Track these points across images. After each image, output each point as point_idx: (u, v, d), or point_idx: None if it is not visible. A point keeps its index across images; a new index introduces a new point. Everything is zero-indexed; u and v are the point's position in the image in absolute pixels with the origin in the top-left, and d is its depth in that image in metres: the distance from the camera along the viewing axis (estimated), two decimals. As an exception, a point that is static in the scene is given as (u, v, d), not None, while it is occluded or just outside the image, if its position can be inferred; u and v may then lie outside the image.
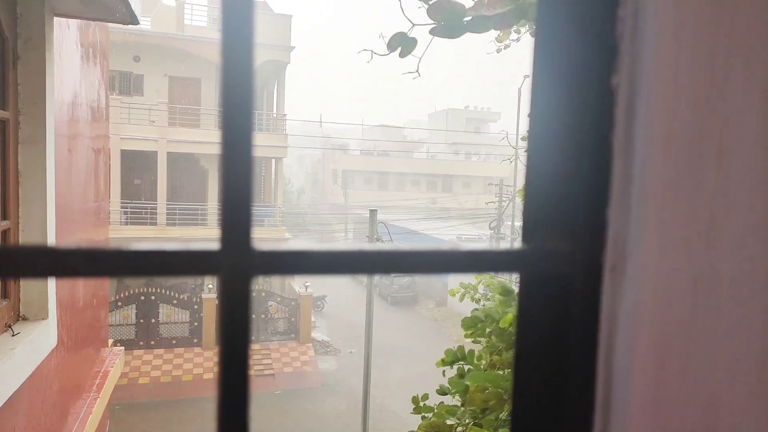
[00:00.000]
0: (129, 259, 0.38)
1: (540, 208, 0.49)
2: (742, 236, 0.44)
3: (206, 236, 19.04)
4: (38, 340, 3.78)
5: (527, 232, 0.49)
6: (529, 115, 0.48)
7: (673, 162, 0.46)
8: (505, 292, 2.70)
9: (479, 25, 2.41)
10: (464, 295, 3.46)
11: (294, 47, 21.73)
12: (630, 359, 0.48)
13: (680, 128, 0.45)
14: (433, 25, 2.37)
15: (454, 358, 2.62)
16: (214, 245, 0.40)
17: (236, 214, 0.40)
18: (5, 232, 3.65)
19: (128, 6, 4.08)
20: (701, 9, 0.45)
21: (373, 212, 13.31)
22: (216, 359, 0.40)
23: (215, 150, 19.06)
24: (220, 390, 0.40)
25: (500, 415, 2.22)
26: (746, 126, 0.44)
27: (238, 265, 0.40)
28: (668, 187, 0.46)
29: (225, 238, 0.40)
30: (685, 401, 0.47)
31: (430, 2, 2.31)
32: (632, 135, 0.47)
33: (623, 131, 0.48)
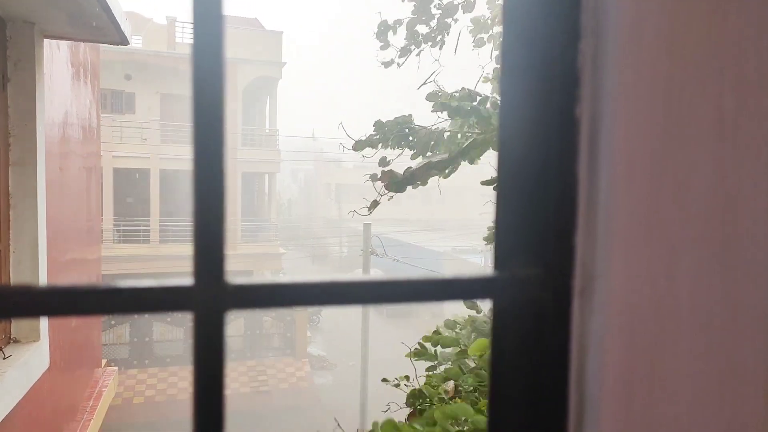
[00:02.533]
0: (102, 297, 0.39)
1: (510, 236, 0.50)
2: (700, 266, 0.46)
3: (200, 253, 18.92)
4: (30, 363, 3.75)
5: (499, 259, 0.50)
6: (498, 144, 0.50)
7: (635, 190, 0.47)
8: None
9: (424, 175, 3.08)
10: (437, 342, 3.56)
11: (285, 63, 21.84)
12: (600, 383, 0.48)
13: (640, 157, 0.47)
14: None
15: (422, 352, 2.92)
16: (187, 280, 0.40)
17: (209, 247, 0.41)
18: (-5, 254, 3.64)
19: (118, 27, 4.10)
20: (657, 42, 0.46)
21: (367, 226, 13.32)
22: (191, 396, 0.41)
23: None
24: (196, 426, 0.40)
25: None
26: (701, 156, 0.46)
27: (211, 301, 0.40)
28: (631, 216, 0.47)
29: (198, 273, 0.41)
30: (652, 424, 0.48)
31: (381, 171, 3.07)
32: (596, 163, 0.48)
33: (587, 160, 0.49)
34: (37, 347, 3.87)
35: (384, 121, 3.36)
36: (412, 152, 3.41)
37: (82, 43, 5.67)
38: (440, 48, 3.89)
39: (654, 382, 0.48)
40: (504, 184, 0.50)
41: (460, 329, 3.34)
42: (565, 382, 0.51)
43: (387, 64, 4.03)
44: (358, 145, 3.44)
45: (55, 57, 4.73)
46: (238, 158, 20.81)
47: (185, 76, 20.52)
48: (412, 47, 3.88)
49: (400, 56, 3.96)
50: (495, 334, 0.51)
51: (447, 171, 3.34)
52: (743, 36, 0.46)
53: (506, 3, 0.48)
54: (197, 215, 0.40)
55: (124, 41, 4.49)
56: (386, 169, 3.31)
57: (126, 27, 4.36)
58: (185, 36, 22.34)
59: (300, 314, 19.22)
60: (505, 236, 0.50)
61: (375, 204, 3.70)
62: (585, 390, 0.50)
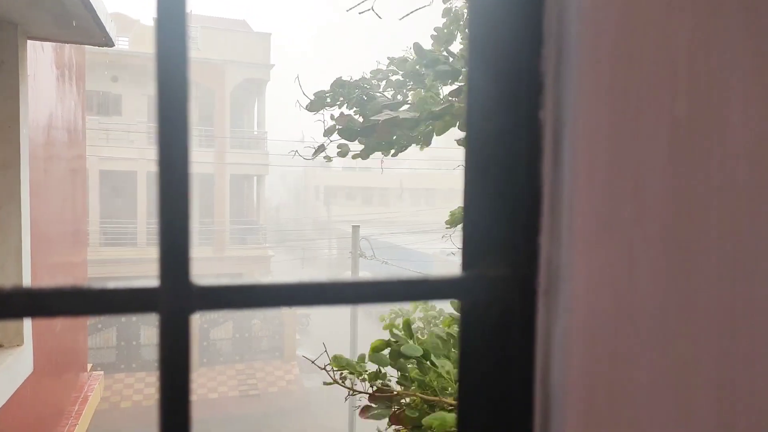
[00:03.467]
0: (68, 298, 0.39)
1: (477, 236, 0.51)
2: (657, 266, 0.47)
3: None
4: (13, 368, 3.71)
5: (466, 259, 0.51)
6: (465, 146, 0.50)
7: (595, 192, 0.48)
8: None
9: (385, 131, 2.75)
10: (394, 320, 3.46)
11: (274, 65, 21.80)
12: (564, 381, 0.49)
13: (600, 160, 0.48)
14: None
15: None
16: (153, 281, 0.41)
17: (174, 248, 0.41)
18: (-23, 258, 3.60)
19: (102, 28, 4.08)
20: (615, 47, 0.47)
21: (355, 228, 13.32)
22: (157, 401, 0.41)
23: (196, 169, 18.96)
24: (162, 427, 0.41)
25: None
26: (656, 158, 0.47)
27: (176, 302, 0.41)
28: (592, 217, 0.48)
29: (163, 274, 0.41)
30: (613, 421, 0.49)
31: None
32: (560, 165, 0.49)
33: (551, 162, 0.50)
34: (20, 352, 3.83)
35: (344, 80, 3.10)
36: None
37: (67, 44, 5.63)
38: None
39: (615, 381, 0.49)
40: (471, 185, 0.51)
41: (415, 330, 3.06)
42: (531, 381, 0.52)
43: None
44: (313, 105, 3.17)
45: (40, 58, 4.69)
46: (227, 161, 20.73)
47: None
48: None
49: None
50: (463, 333, 0.52)
51: (394, 150, 2.99)
52: (694, 40, 0.47)
53: (471, 7, 0.49)
54: (162, 217, 0.40)
55: (109, 43, 4.46)
56: (344, 113, 2.96)
57: (111, 28, 4.33)
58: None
59: (289, 317, 19.17)
60: (472, 237, 0.51)
61: (321, 148, 3.28)
62: (550, 388, 0.51)
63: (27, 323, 3.96)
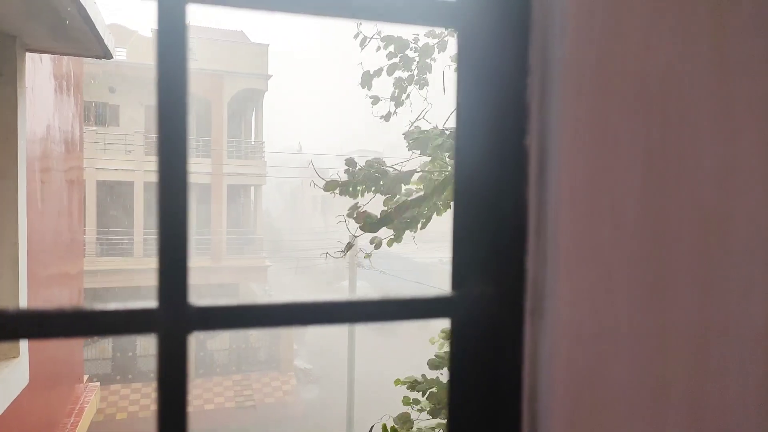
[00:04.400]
0: (68, 320, 0.41)
1: (466, 257, 0.53)
2: (634, 284, 0.48)
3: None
4: (9, 380, 3.70)
5: (456, 280, 0.53)
6: (454, 171, 0.52)
7: (577, 215, 0.50)
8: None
9: (399, 214, 3.07)
10: (443, 344, 3.71)
11: (272, 75, 21.87)
12: (550, 395, 0.51)
13: (580, 184, 0.50)
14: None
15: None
16: (152, 303, 0.42)
17: (173, 270, 0.43)
18: (-26, 269, 3.60)
19: (101, 40, 4.10)
20: (594, 78, 0.49)
21: (353, 237, 13.31)
22: (154, 416, 0.42)
23: (193, 179, 18.95)
24: (160, 442, 0.42)
25: None
26: (632, 183, 0.49)
27: (175, 323, 0.42)
28: (574, 239, 0.50)
29: (162, 295, 0.42)
30: (595, 430, 0.50)
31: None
32: (544, 190, 0.51)
33: (536, 186, 0.52)
34: (16, 363, 3.82)
35: (355, 159, 3.41)
36: (384, 197, 3.45)
37: (65, 56, 5.66)
38: (425, 88, 4.02)
39: (596, 394, 0.50)
40: (460, 208, 0.53)
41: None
42: (519, 395, 0.53)
43: (386, 117, 4.16)
44: (329, 186, 3.51)
45: (38, 70, 4.71)
46: (224, 171, 20.74)
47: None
48: (403, 95, 4.01)
49: (395, 106, 4.09)
50: (453, 351, 0.53)
51: (420, 224, 3.36)
52: (667, 76, 0.49)
53: (460, 39, 0.51)
54: (162, 239, 0.42)
55: (107, 55, 4.49)
56: (360, 210, 3.34)
57: (109, 40, 4.36)
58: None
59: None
60: (461, 257, 0.53)
61: (349, 246, 3.79)
62: (537, 401, 0.52)
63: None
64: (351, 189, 3.34)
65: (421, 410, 3.30)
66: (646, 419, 0.50)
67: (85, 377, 7.21)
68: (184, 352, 0.43)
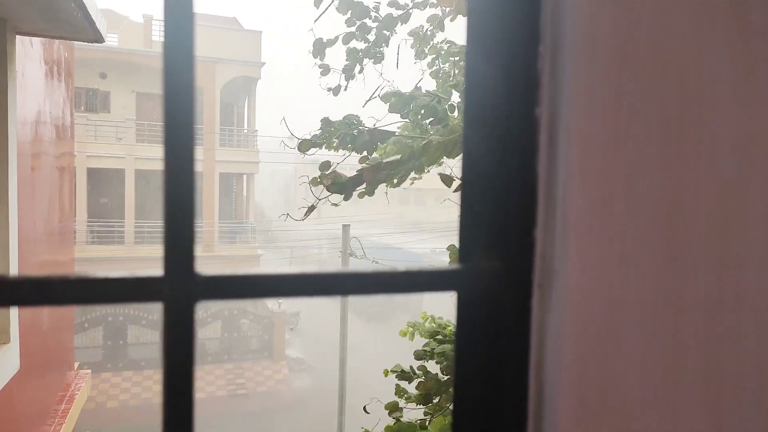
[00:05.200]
0: (74, 286, 0.40)
1: (474, 230, 0.52)
2: (647, 260, 0.48)
3: (176, 254, 18.56)
4: (0, 366, 3.68)
5: (463, 253, 0.52)
6: (462, 142, 0.52)
7: (589, 188, 0.49)
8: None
9: (372, 177, 2.92)
10: (413, 334, 3.71)
11: (264, 63, 21.71)
12: (557, 371, 0.51)
13: (593, 156, 0.49)
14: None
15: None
16: (158, 271, 0.42)
17: (179, 238, 0.42)
18: (-36, 254, 3.57)
19: (93, 24, 4.05)
20: (608, 47, 0.49)
21: (346, 227, 13.31)
22: (161, 387, 0.42)
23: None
24: (166, 419, 0.41)
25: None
26: (648, 156, 0.48)
27: (181, 291, 0.42)
28: (585, 212, 0.49)
29: (168, 264, 0.42)
30: (604, 409, 0.50)
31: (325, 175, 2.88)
32: (555, 161, 0.51)
33: (546, 158, 0.51)
34: (6, 349, 3.80)
35: (332, 119, 3.24)
36: (359, 155, 3.28)
37: (56, 40, 5.58)
38: (381, 63, 3.82)
39: (605, 371, 0.50)
40: (468, 181, 0.52)
41: (437, 323, 3.43)
42: (525, 371, 0.53)
43: (335, 91, 3.95)
44: (303, 145, 3.32)
45: (28, 54, 4.65)
46: (216, 159, 20.62)
47: (160, 74, 20.25)
48: (356, 67, 3.79)
49: (345, 78, 3.86)
50: (459, 324, 0.53)
51: (396, 180, 3.21)
52: (686, 45, 0.49)
53: (470, 7, 0.50)
54: (168, 208, 0.41)
55: (99, 39, 4.44)
56: (329, 171, 3.17)
57: (101, 24, 4.31)
58: (162, 34, 22.03)
59: (278, 316, 19.10)
60: (469, 231, 0.52)
61: (312, 209, 3.56)
62: (544, 378, 0.52)
63: (14, 320, 3.93)
64: (326, 143, 3.17)
65: (408, 400, 3.36)
66: (659, 395, 0.50)
67: (76, 365, 7.19)
68: (191, 321, 0.42)
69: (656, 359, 0.50)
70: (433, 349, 3.15)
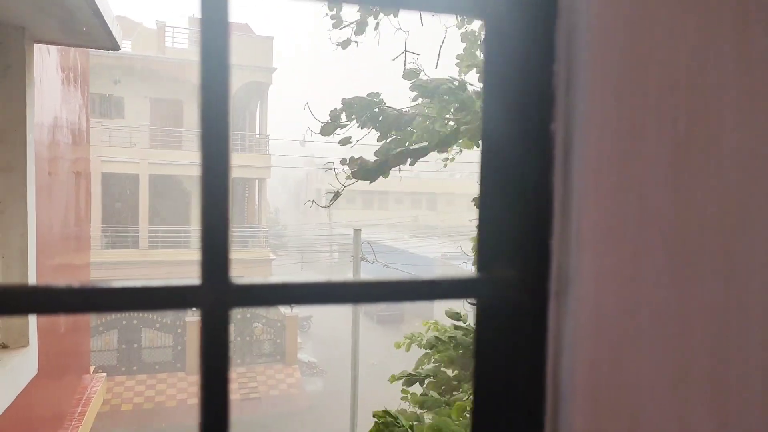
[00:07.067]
0: (114, 295, 0.42)
1: (492, 240, 0.54)
2: (658, 269, 0.50)
3: (189, 259, 18.80)
4: (18, 369, 3.74)
5: (481, 262, 0.55)
6: (481, 155, 0.54)
7: (603, 200, 0.51)
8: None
9: (398, 162, 2.92)
10: (410, 345, 3.73)
11: (276, 68, 21.86)
12: (573, 377, 0.53)
13: (607, 170, 0.51)
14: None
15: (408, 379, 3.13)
16: (194, 279, 0.44)
17: (215, 248, 0.45)
18: (-15, 259, 3.63)
19: (109, 33, 4.11)
20: (622, 67, 0.51)
21: (357, 232, 13.34)
22: (198, 389, 0.44)
23: (196, 172, 18.96)
24: (203, 419, 0.44)
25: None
26: (659, 168, 0.50)
27: (217, 299, 0.44)
28: (599, 223, 0.52)
29: (204, 272, 0.44)
30: (617, 413, 0.52)
31: (351, 163, 2.88)
32: (569, 174, 0.53)
33: (561, 171, 0.53)
34: (25, 353, 3.86)
35: (352, 100, 3.19)
36: (378, 134, 3.20)
37: (72, 47, 5.67)
38: (397, 16, 3.54)
39: (618, 376, 0.52)
40: (486, 192, 0.54)
41: (442, 333, 3.46)
42: (542, 376, 0.55)
43: (344, 45, 3.77)
44: (326, 129, 3.27)
45: (45, 61, 4.73)
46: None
47: (175, 81, 20.47)
48: (369, 19, 3.55)
49: (356, 33, 3.63)
50: (478, 331, 0.55)
51: (410, 161, 3.16)
52: (693, 62, 0.51)
53: (488, 28, 0.52)
54: (204, 218, 0.43)
55: (115, 46, 4.50)
56: (355, 156, 3.15)
57: (117, 32, 4.37)
58: (175, 40, 22.31)
59: (290, 320, 19.15)
60: (487, 240, 0.54)
61: (337, 195, 3.52)
62: (560, 383, 0.54)
63: (32, 324, 3.99)
64: (347, 120, 3.13)
65: (413, 400, 3.39)
66: (669, 398, 0.52)
67: (92, 368, 7.27)
68: (227, 326, 0.45)
69: (666, 365, 0.52)
70: (424, 373, 3.27)
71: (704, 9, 0.50)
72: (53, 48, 4.98)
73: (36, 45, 4.18)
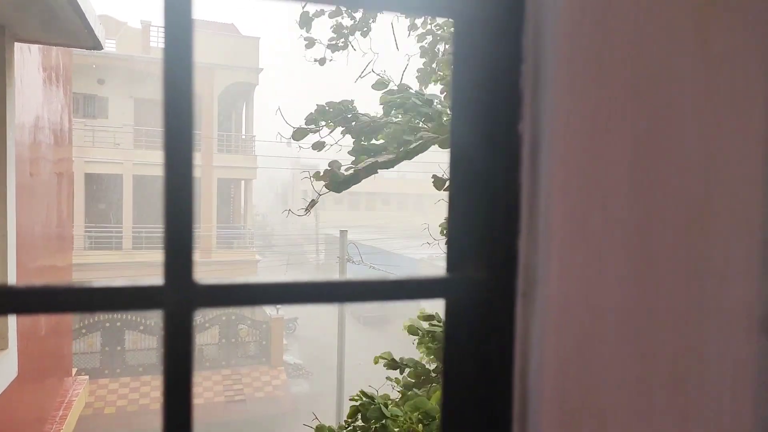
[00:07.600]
0: (75, 295, 0.42)
1: (461, 240, 0.55)
2: (622, 270, 0.51)
3: (174, 260, 18.49)
4: (-3, 372, 3.68)
5: (451, 262, 0.55)
6: (450, 156, 0.54)
7: (569, 201, 0.52)
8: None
9: (369, 174, 3.04)
10: (388, 363, 3.90)
11: (262, 69, 21.77)
12: (540, 375, 0.53)
13: (572, 172, 0.52)
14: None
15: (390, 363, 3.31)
16: (158, 280, 0.44)
17: (178, 248, 0.44)
18: (-37, 261, 3.58)
19: (91, 32, 4.07)
20: (586, 68, 0.51)
21: (343, 233, 13.32)
22: (161, 391, 0.43)
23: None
24: (166, 423, 0.43)
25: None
26: (622, 170, 0.51)
27: (180, 300, 0.44)
28: (566, 224, 0.52)
29: (168, 273, 0.44)
30: (582, 414, 0.52)
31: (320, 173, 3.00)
32: (537, 174, 0.53)
33: (529, 171, 0.54)
34: (5, 355, 3.80)
35: (325, 105, 3.32)
36: (353, 139, 3.34)
37: (54, 47, 5.61)
38: (368, 36, 3.93)
39: (584, 375, 0.52)
40: (455, 193, 0.54)
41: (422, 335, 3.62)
42: (510, 376, 0.55)
43: (321, 62, 4.10)
44: (298, 134, 3.39)
45: (27, 61, 4.67)
46: (214, 164, 20.64)
47: (160, 81, 20.28)
48: (341, 41, 3.94)
49: (331, 51, 4.03)
50: (447, 331, 0.55)
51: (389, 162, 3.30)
52: (656, 66, 0.51)
53: (456, 25, 0.52)
54: (168, 218, 0.43)
55: (97, 46, 4.46)
56: (327, 168, 3.26)
57: (100, 32, 4.33)
58: (160, 40, 22.12)
59: (276, 322, 19.06)
60: (456, 241, 0.55)
61: (312, 203, 3.65)
62: (528, 381, 0.54)
63: (12, 326, 3.93)
64: (318, 123, 3.25)
65: (397, 382, 3.60)
66: (634, 395, 0.52)
67: (74, 371, 7.18)
68: (190, 328, 0.44)
69: (631, 364, 0.53)
70: (405, 361, 3.46)
71: (667, 11, 0.51)
72: (35, 47, 4.91)
73: (17, 44, 4.12)
